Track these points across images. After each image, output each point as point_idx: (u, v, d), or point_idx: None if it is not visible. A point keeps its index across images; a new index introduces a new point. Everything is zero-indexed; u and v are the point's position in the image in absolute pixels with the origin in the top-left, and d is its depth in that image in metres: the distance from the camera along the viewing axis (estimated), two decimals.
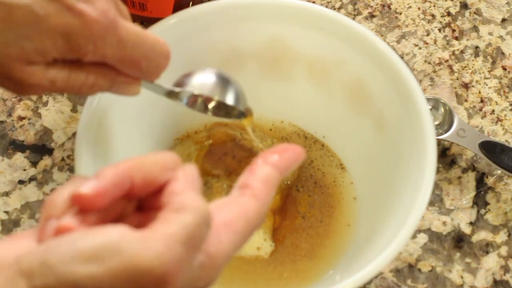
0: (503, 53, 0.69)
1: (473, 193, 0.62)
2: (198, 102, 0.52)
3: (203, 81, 0.50)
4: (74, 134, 0.63)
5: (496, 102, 0.66)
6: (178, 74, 0.59)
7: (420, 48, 0.69)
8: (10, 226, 0.59)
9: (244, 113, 0.53)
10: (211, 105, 0.52)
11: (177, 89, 0.49)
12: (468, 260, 0.59)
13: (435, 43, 0.69)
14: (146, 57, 0.45)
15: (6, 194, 0.61)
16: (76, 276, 0.32)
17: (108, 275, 0.32)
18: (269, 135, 0.62)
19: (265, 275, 0.56)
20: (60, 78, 0.44)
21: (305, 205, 0.59)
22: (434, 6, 0.71)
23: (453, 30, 0.70)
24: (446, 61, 0.68)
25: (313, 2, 0.70)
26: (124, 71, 0.45)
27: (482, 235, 0.60)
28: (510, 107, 0.66)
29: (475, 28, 0.70)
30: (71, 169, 0.61)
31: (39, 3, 0.41)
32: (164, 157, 0.38)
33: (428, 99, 0.63)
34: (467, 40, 0.69)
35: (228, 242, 0.37)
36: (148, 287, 0.32)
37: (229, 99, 0.50)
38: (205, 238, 0.36)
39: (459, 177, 0.63)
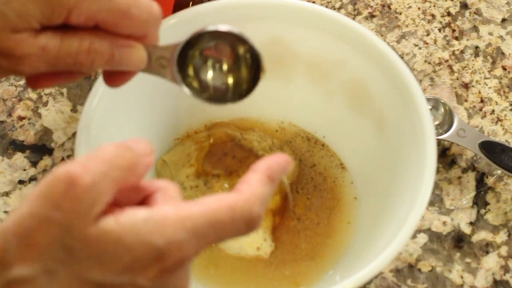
0: (503, 53, 0.69)
1: (473, 193, 0.62)
2: (209, 62, 0.46)
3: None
4: (74, 134, 0.63)
5: (496, 102, 0.66)
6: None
7: (420, 48, 0.69)
8: None
9: (261, 66, 0.46)
10: (225, 62, 0.46)
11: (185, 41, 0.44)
12: (468, 260, 0.59)
13: (435, 43, 0.69)
14: (134, 3, 0.43)
15: (6, 194, 0.61)
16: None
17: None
18: (275, 137, 0.62)
19: (267, 275, 0.56)
20: (52, 45, 0.42)
21: (302, 207, 0.59)
22: (434, 6, 0.71)
23: (453, 30, 0.70)
24: (446, 61, 0.68)
25: (313, 2, 0.70)
26: (118, 31, 0.44)
27: (482, 235, 0.60)
28: (510, 107, 0.66)
29: (475, 28, 0.70)
30: None
31: None
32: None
33: (428, 99, 0.63)
34: (467, 40, 0.69)
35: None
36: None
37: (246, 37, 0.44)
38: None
39: (459, 177, 0.63)
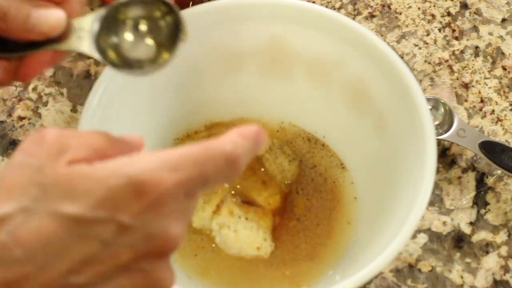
0: (503, 53, 0.69)
1: (473, 193, 0.62)
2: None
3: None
4: None
5: (496, 102, 0.66)
6: (178, 74, 0.59)
7: (420, 48, 0.69)
8: None
9: (182, 28, 0.42)
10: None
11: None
12: (468, 260, 0.59)
13: (435, 43, 0.69)
14: None
15: None
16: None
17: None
18: (276, 137, 0.62)
19: (268, 275, 0.56)
20: None
21: (302, 208, 0.59)
22: (434, 6, 0.71)
23: (453, 30, 0.70)
24: (446, 61, 0.68)
25: (313, 2, 0.70)
26: None
27: (482, 235, 0.60)
28: (510, 107, 0.66)
29: (475, 28, 0.70)
30: None
31: None
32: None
33: (428, 99, 0.63)
34: (467, 40, 0.69)
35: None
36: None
37: None
38: None
39: (459, 177, 0.63)
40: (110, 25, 0.41)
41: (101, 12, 0.41)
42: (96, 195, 0.34)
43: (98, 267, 0.35)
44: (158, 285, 0.37)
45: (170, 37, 0.40)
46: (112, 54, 0.40)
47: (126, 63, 0.41)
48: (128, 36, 0.40)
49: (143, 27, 0.40)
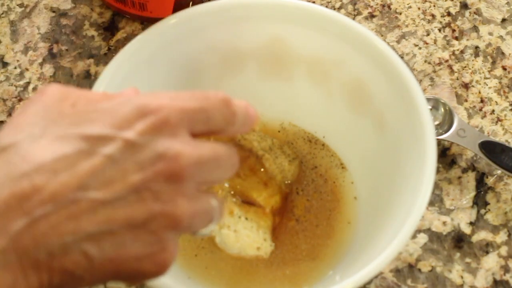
0: (503, 53, 0.69)
1: (473, 193, 0.62)
2: None
3: None
4: None
5: (496, 102, 0.66)
6: (178, 74, 0.59)
7: (420, 48, 0.69)
8: None
9: None
10: None
11: None
12: (468, 260, 0.59)
13: (435, 43, 0.69)
14: None
15: None
16: None
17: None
18: (276, 138, 0.62)
19: (268, 275, 0.56)
20: None
21: (301, 209, 0.59)
22: (434, 6, 0.71)
23: (453, 30, 0.70)
24: (446, 61, 0.68)
25: (313, 2, 0.70)
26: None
27: (482, 235, 0.60)
28: (510, 107, 0.66)
29: (475, 28, 0.70)
30: None
31: None
32: None
33: (428, 99, 0.63)
34: (467, 40, 0.69)
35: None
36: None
37: None
38: None
39: (459, 177, 0.63)
40: None
41: None
42: (102, 120, 0.36)
43: (108, 183, 0.35)
44: (174, 216, 0.37)
45: None
46: None
47: None
48: None
49: None
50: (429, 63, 0.68)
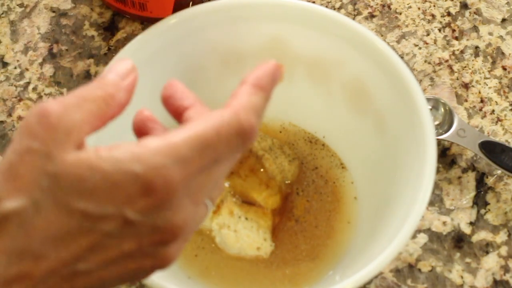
0: (503, 53, 0.69)
1: (473, 193, 0.62)
2: None
3: None
4: None
5: (496, 102, 0.66)
6: (178, 74, 0.59)
7: (420, 48, 0.69)
8: None
9: None
10: None
11: None
12: (468, 260, 0.59)
13: (435, 43, 0.69)
14: None
15: None
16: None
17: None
18: (277, 138, 0.62)
19: (269, 275, 0.56)
20: None
21: (301, 209, 0.59)
22: (434, 6, 0.71)
23: (453, 30, 0.70)
24: (446, 61, 0.68)
25: (313, 2, 0.70)
26: None
27: (482, 235, 0.60)
28: (510, 107, 0.66)
29: (475, 28, 0.70)
30: None
31: None
32: None
33: (428, 99, 0.63)
34: (467, 40, 0.69)
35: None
36: None
37: None
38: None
39: (459, 177, 0.63)
40: None
41: None
42: (103, 191, 0.35)
43: (104, 255, 0.36)
44: (165, 263, 0.38)
45: None
46: None
47: None
48: None
49: None
50: (429, 63, 0.68)
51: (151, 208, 0.35)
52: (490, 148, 0.61)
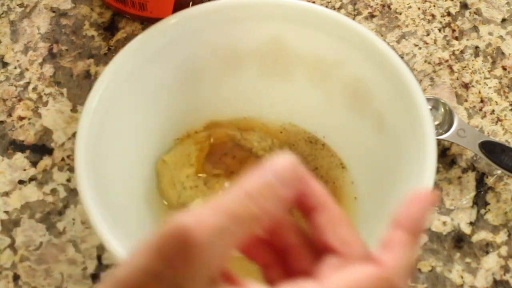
0: (503, 53, 0.69)
1: (473, 193, 0.62)
2: None
3: None
4: (74, 134, 0.63)
5: (496, 102, 0.66)
6: (178, 74, 0.59)
7: (420, 48, 0.69)
8: (10, 226, 0.59)
9: None
10: None
11: None
12: (468, 260, 0.59)
13: (435, 43, 0.69)
14: None
15: (6, 194, 0.61)
16: None
17: None
18: (278, 139, 0.62)
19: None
20: None
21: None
22: (434, 6, 0.71)
23: (453, 30, 0.70)
24: (446, 61, 0.68)
25: (313, 2, 0.70)
26: None
27: (482, 235, 0.60)
28: (510, 107, 0.66)
29: (475, 28, 0.70)
30: (71, 169, 0.61)
31: None
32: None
33: (428, 99, 0.63)
34: (467, 40, 0.69)
35: None
36: None
37: None
38: None
39: (459, 177, 0.63)
40: None
41: None
42: None
43: None
44: None
45: None
46: None
47: None
48: None
49: None
50: (429, 63, 0.68)
51: None
52: (490, 148, 0.61)
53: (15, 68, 0.67)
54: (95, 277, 0.57)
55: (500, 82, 0.67)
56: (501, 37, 0.70)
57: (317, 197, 0.36)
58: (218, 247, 0.31)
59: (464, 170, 0.63)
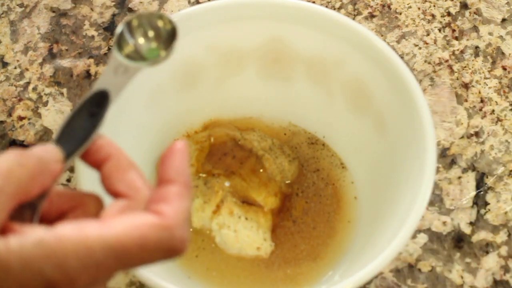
0: (503, 53, 0.69)
1: (473, 193, 0.62)
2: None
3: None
4: None
5: (496, 102, 0.66)
6: (178, 74, 0.59)
7: (420, 48, 0.69)
8: None
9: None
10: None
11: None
12: (468, 260, 0.59)
13: (435, 43, 0.69)
14: None
15: None
16: None
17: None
18: (281, 140, 0.62)
19: (270, 276, 0.56)
20: None
21: (299, 210, 0.59)
22: (434, 6, 0.71)
23: (453, 30, 0.70)
24: (446, 61, 0.68)
25: (313, 2, 0.70)
26: None
27: (482, 235, 0.60)
28: (510, 107, 0.66)
29: (475, 28, 0.70)
30: (71, 169, 0.61)
31: None
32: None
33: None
34: (467, 40, 0.69)
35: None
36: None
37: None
38: None
39: (459, 177, 0.63)
40: (129, 29, 0.46)
41: (126, 19, 0.46)
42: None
43: None
44: None
45: (168, 41, 0.47)
46: (127, 50, 0.45)
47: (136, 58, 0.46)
48: (140, 39, 0.46)
49: (150, 33, 0.46)
50: (429, 63, 0.68)
51: None
52: None
53: (15, 68, 0.67)
54: None
55: (500, 82, 0.67)
56: (501, 37, 0.70)
57: (104, 149, 0.39)
58: None
59: (464, 170, 0.63)
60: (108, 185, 0.38)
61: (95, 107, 0.42)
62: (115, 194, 0.38)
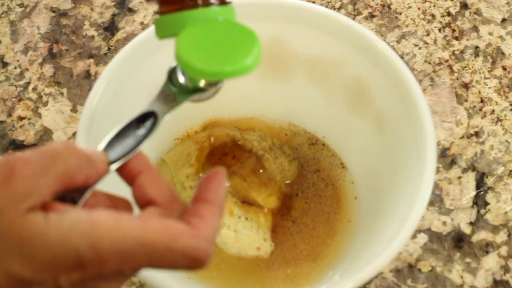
0: (503, 53, 0.69)
1: (473, 193, 0.62)
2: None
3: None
4: (74, 134, 0.63)
5: (496, 102, 0.66)
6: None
7: (420, 48, 0.69)
8: None
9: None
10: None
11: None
12: (468, 260, 0.59)
13: (435, 43, 0.69)
14: None
15: None
16: None
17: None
18: (282, 141, 0.62)
19: (270, 275, 0.56)
20: None
21: (299, 211, 0.59)
22: (434, 6, 0.71)
23: (453, 30, 0.70)
24: (446, 61, 0.68)
25: (313, 2, 0.70)
26: None
27: (482, 235, 0.60)
28: (510, 107, 0.66)
29: (475, 28, 0.70)
30: None
31: None
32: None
33: None
34: (467, 40, 0.69)
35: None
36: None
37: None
38: None
39: (459, 177, 0.63)
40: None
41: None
42: (44, 259, 0.35)
43: None
44: None
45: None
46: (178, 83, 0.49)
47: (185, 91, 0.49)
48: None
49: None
50: (429, 63, 0.68)
51: (83, 281, 0.36)
52: None
53: (15, 68, 0.67)
54: None
55: (500, 82, 0.67)
56: (501, 37, 0.70)
57: (141, 164, 0.41)
58: (39, 181, 0.35)
59: (464, 170, 0.63)
60: (142, 195, 0.40)
61: (141, 124, 0.45)
62: (149, 203, 0.40)
